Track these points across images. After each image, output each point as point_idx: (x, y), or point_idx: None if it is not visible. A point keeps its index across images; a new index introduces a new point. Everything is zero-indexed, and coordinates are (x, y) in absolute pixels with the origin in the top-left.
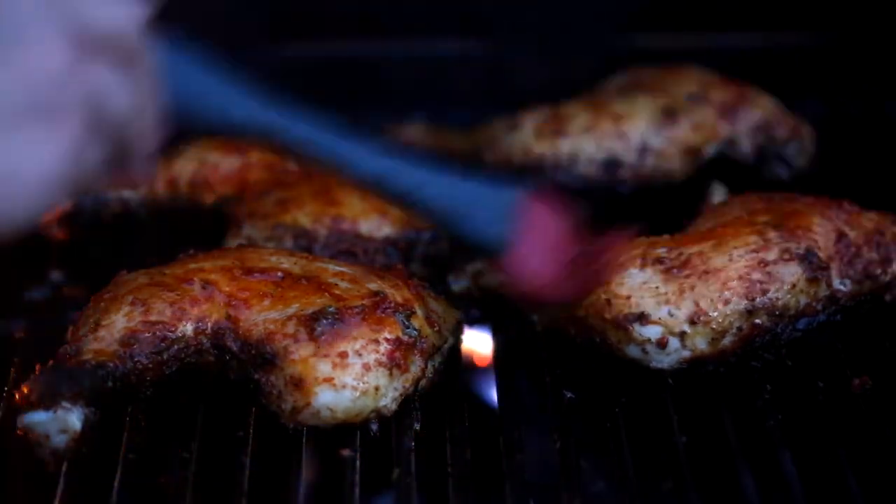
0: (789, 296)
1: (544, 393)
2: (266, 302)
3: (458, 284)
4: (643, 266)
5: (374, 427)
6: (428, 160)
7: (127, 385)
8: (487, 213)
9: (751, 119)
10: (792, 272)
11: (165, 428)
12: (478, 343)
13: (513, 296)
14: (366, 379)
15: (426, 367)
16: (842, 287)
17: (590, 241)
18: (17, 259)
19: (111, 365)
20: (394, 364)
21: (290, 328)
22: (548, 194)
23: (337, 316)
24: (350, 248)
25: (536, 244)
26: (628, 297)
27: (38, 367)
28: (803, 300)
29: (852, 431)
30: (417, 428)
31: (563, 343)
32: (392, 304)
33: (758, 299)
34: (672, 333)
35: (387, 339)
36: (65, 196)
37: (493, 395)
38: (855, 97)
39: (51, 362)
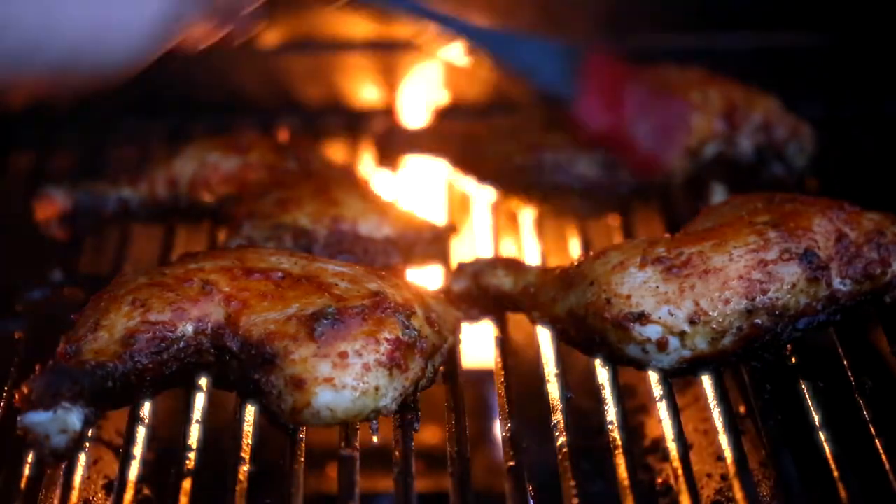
0: (789, 296)
1: (544, 393)
2: (266, 302)
3: (458, 284)
4: (643, 266)
5: (375, 427)
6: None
7: (127, 385)
8: (555, 67)
9: (751, 119)
10: (792, 272)
11: (166, 428)
12: (478, 343)
13: (587, 139)
14: (366, 379)
15: (426, 367)
16: (842, 287)
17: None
18: (17, 259)
19: (111, 365)
20: (394, 364)
21: (290, 328)
22: (606, 52)
23: (337, 316)
24: (350, 248)
25: (602, 94)
26: (628, 297)
27: (38, 367)
28: (803, 300)
29: (852, 431)
30: (417, 428)
31: (563, 343)
32: (392, 305)
33: (758, 299)
34: (672, 333)
35: (387, 340)
36: (163, 47)
37: (494, 395)
38: (855, 97)
39: (51, 362)
